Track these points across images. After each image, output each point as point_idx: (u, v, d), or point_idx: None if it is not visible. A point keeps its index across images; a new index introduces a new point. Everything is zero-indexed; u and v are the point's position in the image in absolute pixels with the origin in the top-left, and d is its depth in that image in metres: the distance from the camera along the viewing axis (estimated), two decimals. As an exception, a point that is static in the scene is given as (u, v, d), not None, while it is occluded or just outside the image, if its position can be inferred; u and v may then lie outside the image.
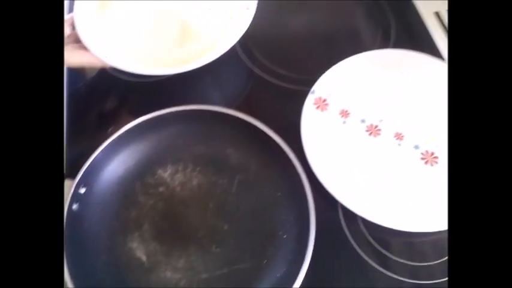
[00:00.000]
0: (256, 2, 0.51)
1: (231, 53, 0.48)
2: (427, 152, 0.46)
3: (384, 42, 0.56)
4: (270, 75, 0.54)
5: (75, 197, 0.42)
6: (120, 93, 0.55)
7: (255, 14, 0.50)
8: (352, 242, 0.42)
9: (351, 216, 0.42)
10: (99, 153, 0.44)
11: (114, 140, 0.45)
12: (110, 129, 0.50)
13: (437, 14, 0.57)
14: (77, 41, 0.48)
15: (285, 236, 0.41)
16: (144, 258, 0.42)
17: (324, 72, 0.50)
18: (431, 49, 0.54)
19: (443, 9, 0.58)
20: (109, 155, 0.46)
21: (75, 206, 0.42)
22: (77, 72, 0.55)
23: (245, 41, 0.55)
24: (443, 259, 0.41)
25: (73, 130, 0.50)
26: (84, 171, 0.43)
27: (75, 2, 0.50)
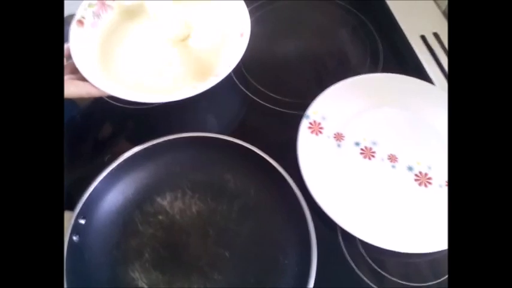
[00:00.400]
0: (249, 28, 0.53)
1: (225, 79, 0.49)
2: (420, 173, 0.47)
3: (373, 65, 0.58)
4: (264, 100, 0.55)
5: (76, 228, 0.42)
6: (116, 121, 0.56)
7: (248, 41, 0.52)
8: (352, 263, 0.43)
9: (349, 239, 0.44)
10: (97, 184, 0.45)
11: (112, 170, 0.46)
12: (106, 158, 0.50)
13: (423, 37, 0.60)
14: (73, 71, 0.49)
15: (287, 261, 0.42)
16: (146, 288, 0.42)
17: (316, 96, 0.52)
18: (418, 71, 0.57)
19: (429, 32, 0.60)
20: (108, 184, 0.46)
21: (75, 238, 0.42)
22: (73, 100, 0.56)
23: (239, 67, 0.57)
24: (441, 279, 0.42)
25: (69, 159, 0.50)
26: (83, 203, 0.43)
27: (70, 32, 0.52)
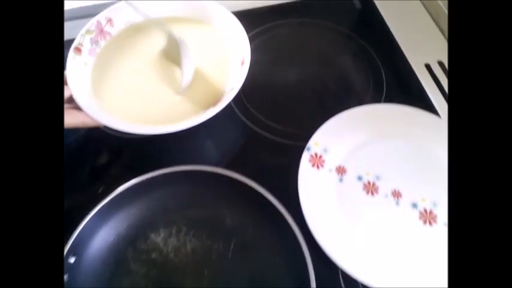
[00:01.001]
0: (249, 56, 0.52)
1: (225, 108, 0.49)
2: (425, 210, 0.46)
3: (376, 94, 0.57)
4: (264, 129, 0.55)
5: (65, 267, 0.41)
6: (111, 151, 0.55)
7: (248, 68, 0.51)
8: (354, 309, 0.41)
9: (351, 281, 0.42)
10: (88, 220, 0.44)
11: (104, 205, 0.45)
12: (100, 190, 0.49)
13: (427, 66, 0.59)
14: (69, 100, 0.48)
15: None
16: (138, 332, 0.41)
17: (318, 126, 0.51)
18: (423, 100, 0.56)
19: (434, 61, 0.60)
20: (99, 220, 0.45)
21: (65, 277, 0.41)
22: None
23: (238, 95, 0.56)
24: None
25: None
26: (73, 241, 0.42)
27: (67, 60, 0.51)
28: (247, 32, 0.54)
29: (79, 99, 0.48)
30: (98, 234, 0.45)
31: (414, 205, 0.47)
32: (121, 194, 0.46)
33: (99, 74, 0.54)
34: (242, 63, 0.52)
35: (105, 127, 0.54)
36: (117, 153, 0.55)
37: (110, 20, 0.56)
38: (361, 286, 0.42)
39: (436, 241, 0.44)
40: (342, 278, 0.43)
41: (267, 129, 0.55)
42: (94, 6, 0.61)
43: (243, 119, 0.56)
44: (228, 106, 0.56)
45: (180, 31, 0.58)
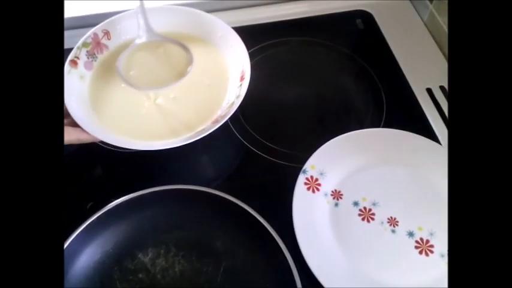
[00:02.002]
0: (249, 73, 0.53)
1: (222, 126, 0.49)
2: (421, 239, 0.46)
3: (376, 117, 0.57)
4: (260, 149, 0.55)
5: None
6: (103, 165, 0.55)
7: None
8: None
9: (343, 311, 0.42)
10: (75, 237, 0.44)
11: (92, 222, 0.45)
12: (89, 205, 0.49)
13: (429, 90, 0.60)
14: (64, 115, 0.48)
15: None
16: None
17: (315, 147, 0.51)
18: (423, 125, 0.56)
19: (436, 85, 0.60)
20: (86, 238, 0.45)
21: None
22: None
23: (236, 114, 0.56)
24: None
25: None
26: (58, 258, 0.42)
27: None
28: (248, 48, 0.54)
29: (75, 114, 0.48)
30: (84, 252, 0.45)
31: (410, 234, 0.46)
32: (109, 211, 0.46)
33: (96, 88, 0.54)
34: (242, 79, 0.53)
35: (100, 141, 0.54)
36: (109, 169, 0.55)
37: (107, 33, 0.56)
38: (353, 317, 0.42)
39: (431, 273, 0.44)
40: (334, 307, 0.42)
41: (263, 149, 0.55)
42: (91, 16, 0.62)
43: (240, 138, 0.56)
44: (226, 125, 0.57)
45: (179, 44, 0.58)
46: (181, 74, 0.52)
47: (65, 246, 0.43)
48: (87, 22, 0.59)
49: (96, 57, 0.56)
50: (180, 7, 0.58)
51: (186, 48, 0.54)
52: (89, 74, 0.55)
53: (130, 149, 0.48)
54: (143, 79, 0.53)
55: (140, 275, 0.44)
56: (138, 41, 0.54)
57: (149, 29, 0.54)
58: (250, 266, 0.44)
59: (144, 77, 0.53)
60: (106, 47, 0.57)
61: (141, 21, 0.53)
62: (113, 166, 0.55)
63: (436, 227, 0.47)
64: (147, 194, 0.47)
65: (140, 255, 0.46)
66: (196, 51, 0.58)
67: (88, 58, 0.55)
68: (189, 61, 0.53)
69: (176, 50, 0.54)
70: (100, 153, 0.55)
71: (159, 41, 0.55)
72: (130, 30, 0.56)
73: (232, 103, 0.51)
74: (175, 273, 0.44)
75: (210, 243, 0.45)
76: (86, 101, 0.52)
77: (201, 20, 0.58)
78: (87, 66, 0.55)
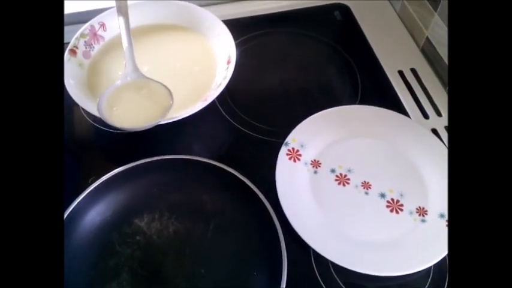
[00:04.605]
0: (235, 54, 0.60)
1: (211, 108, 0.56)
2: (392, 200, 0.53)
3: (352, 98, 0.65)
4: (247, 128, 0.62)
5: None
6: (101, 145, 0.62)
7: (234, 72, 0.59)
8: (323, 284, 0.48)
9: (322, 261, 0.48)
10: (74, 206, 0.50)
11: (91, 191, 0.51)
12: (90, 180, 0.56)
13: (400, 73, 0.68)
14: None
15: (260, 277, 0.47)
16: (122, 306, 0.46)
17: (296, 125, 0.59)
18: (395, 104, 0.64)
19: (407, 68, 0.68)
20: (86, 206, 0.51)
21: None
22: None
23: (224, 97, 0.64)
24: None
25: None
26: (62, 223, 0.48)
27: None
28: (236, 38, 0.62)
29: (73, 94, 0.55)
30: (84, 220, 0.51)
31: (382, 195, 0.54)
32: (106, 181, 0.53)
33: (93, 74, 0.62)
34: (228, 63, 0.60)
35: (96, 122, 0.61)
36: (107, 147, 0.62)
37: (102, 25, 0.64)
38: (330, 266, 0.49)
39: (401, 228, 0.51)
40: (314, 258, 0.49)
41: (249, 127, 0.62)
42: (89, 12, 0.70)
43: (228, 118, 0.63)
44: (214, 106, 0.64)
45: (169, 35, 0.66)
46: (164, 109, 0.54)
47: (67, 214, 0.49)
48: (84, 18, 0.67)
49: (93, 47, 0.64)
50: (170, 0, 0.66)
51: (166, 87, 0.57)
52: (87, 62, 0.62)
53: (125, 128, 0.55)
54: (126, 117, 0.55)
55: (138, 237, 0.51)
56: (124, 81, 0.57)
57: (135, 69, 0.58)
58: (237, 222, 0.51)
59: (127, 114, 0.55)
60: (102, 37, 0.65)
61: (130, 64, 0.57)
62: (110, 145, 0.62)
63: (406, 189, 0.54)
64: (140, 164, 0.54)
65: (137, 221, 0.52)
66: (185, 40, 0.66)
67: (86, 48, 0.63)
68: (170, 97, 0.56)
69: (159, 88, 0.57)
70: (97, 134, 0.62)
71: (143, 80, 0.58)
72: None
73: (220, 84, 0.58)
74: (169, 233, 0.51)
75: (201, 206, 0.52)
76: (84, 84, 0.60)
77: (190, 11, 0.66)
78: (85, 55, 0.62)
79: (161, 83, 0.57)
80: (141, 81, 0.58)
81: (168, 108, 0.54)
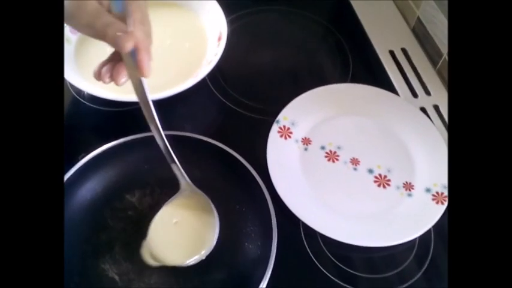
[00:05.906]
0: (226, 31, 0.62)
1: (202, 86, 0.57)
2: (380, 175, 0.56)
3: (343, 77, 0.67)
4: (238, 106, 0.64)
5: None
6: (92, 122, 0.63)
7: (225, 50, 0.60)
8: (311, 255, 0.50)
9: (310, 233, 0.51)
10: (66, 180, 0.51)
11: (80, 168, 0.52)
12: (80, 156, 0.57)
13: (391, 52, 0.70)
14: None
15: (251, 246, 0.50)
16: (116, 278, 0.48)
17: (287, 103, 0.61)
18: (385, 83, 0.66)
19: (398, 48, 0.71)
20: (77, 182, 0.52)
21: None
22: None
23: (215, 75, 0.66)
24: (394, 271, 0.50)
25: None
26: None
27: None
28: (227, 15, 0.64)
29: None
30: (75, 195, 0.52)
31: (370, 171, 0.56)
32: (96, 157, 0.53)
33: (80, 50, 0.63)
34: (219, 39, 0.62)
35: (86, 100, 0.63)
36: (98, 125, 0.63)
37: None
38: (319, 237, 0.51)
39: (388, 201, 0.54)
40: (303, 230, 0.52)
41: (240, 105, 0.64)
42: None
43: (219, 96, 0.65)
44: (205, 84, 0.66)
45: (158, 11, 0.67)
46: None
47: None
48: None
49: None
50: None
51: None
52: (74, 38, 0.63)
53: (114, 104, 0.56)
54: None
55: (129, 212, 0.53)
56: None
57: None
58: (229, 195, 0.53)
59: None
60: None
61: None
62: (101, 122, 0.63)
63: (393, 165, 0.57)
64: (130, 140, 0.55)
65: (128, 196, 0.54)
66: (175, 17, 0.67)
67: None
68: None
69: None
70: (88, 112, 0.63)
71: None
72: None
73: (211, 61, 0.60)
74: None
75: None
76: (71, 59, 0.61)
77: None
78: (72, 30, 0.63)
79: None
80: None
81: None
